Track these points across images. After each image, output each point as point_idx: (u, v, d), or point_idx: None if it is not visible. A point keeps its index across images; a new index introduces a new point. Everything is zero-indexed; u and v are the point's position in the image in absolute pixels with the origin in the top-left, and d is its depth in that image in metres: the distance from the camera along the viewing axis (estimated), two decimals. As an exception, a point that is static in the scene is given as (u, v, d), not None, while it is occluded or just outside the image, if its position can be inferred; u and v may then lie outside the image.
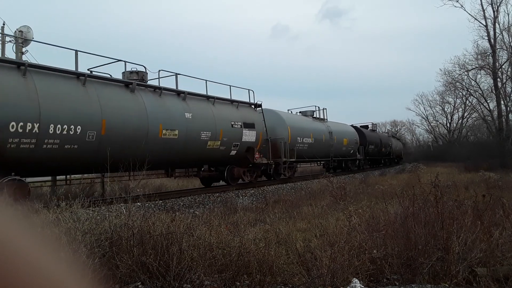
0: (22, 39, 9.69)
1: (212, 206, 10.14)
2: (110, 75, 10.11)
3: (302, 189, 14.18)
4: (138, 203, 6.49)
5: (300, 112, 21.79)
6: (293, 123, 17.98)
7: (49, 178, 10.38)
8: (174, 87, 11.79)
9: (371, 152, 30.38)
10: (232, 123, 13.19)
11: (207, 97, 12.75)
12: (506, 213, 5.08)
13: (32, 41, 9.91)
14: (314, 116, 21.82)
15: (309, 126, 20.00)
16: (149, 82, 11.39)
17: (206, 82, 12.82)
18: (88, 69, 9.82)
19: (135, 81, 10.26)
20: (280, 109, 19.20)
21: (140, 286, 3.53)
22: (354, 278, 3.60)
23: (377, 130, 43.84)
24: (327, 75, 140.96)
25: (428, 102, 53.01)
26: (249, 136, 13.90)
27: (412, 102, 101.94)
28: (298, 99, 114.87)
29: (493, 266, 3.77)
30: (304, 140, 18.51)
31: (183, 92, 11.71)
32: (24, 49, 10.02)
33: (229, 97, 13.91)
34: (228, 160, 13.47)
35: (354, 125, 30.02)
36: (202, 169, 13.45)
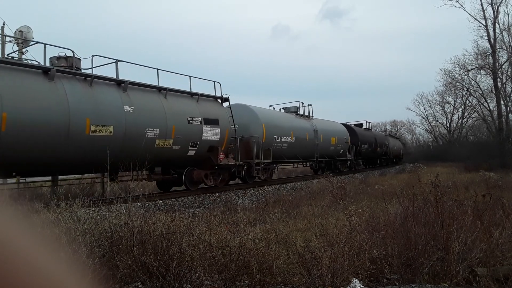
0: (22, 40, 9.70)
1: (212, 206, 10.15)
2: (27, 61, 8.79)
3: (302, 189, 14.19)
4: (138, 203, 6.49)
5: (283, 108, 19.92)
6: (269, 120, 16.06)
7: (49, 178, 10.35)
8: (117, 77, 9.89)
9: (364, 152, 28.35)
10: (189, 118, 11.50)
11: (158, 89, 10.98)
12: (506, 213, 5.08)
13: (31, 41, 9.92)
14: (298, 113, 19.98)
15: (290, 123, 17.92)
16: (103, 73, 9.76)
17: (157, 72, 11.04)
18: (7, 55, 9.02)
19: (56, 67, 8.57)
20: (266, 106, 18.10)
21: (140, 286, 3.53)
22: (354, 278, 3.60)
23: (374, 129, 42.57)
24: (327, 75, 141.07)
25: (428, 102, 53.09)
26: (211, 134, 12.27)
27: (412, 102, 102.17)
28: (298, 99, 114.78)
29: (493, 266, 3.77)
30: (282, 139, 16.62)
31: (123, 82, 9.80)
32: (24, 49, 10.02)
33: (189, 89, 12.22)
34: (186, 162, 11.74)
35: (347, 123, 28.23)
36: (154, 171, 11.36)
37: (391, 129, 65.08)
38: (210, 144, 12.30)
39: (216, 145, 12.50)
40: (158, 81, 11.04)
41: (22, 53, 10.04)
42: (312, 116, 20.92)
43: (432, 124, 55.15)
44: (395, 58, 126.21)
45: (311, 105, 21.08)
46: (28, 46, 10.08)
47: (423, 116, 54.87)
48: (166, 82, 14.61)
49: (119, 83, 9.84)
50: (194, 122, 11.65)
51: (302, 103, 20.66)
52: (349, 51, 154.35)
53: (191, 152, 11.66)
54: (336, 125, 24.43)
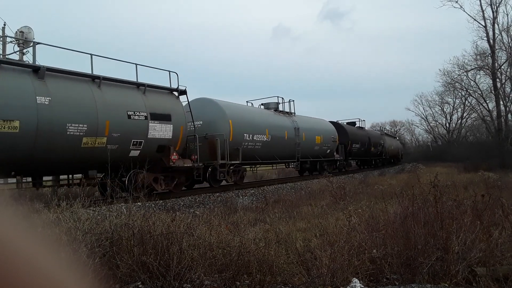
0: (23, 40, 9.70)
1: (212, 206, 10.15)
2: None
3: (302, 189, 14.19)
4: (138, 203, 6.49)
5: (262, 104, 18.22)
6: (238, 116, 14.20)
7: (49, 178, 10.33)
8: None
9: (356, 151, 26.40)
10: (131, 113, 9.77)
11: (91, 77, 9.30)
12: (506, 213, 5.09)
13: (31, 42, 9.92)
14: (278, 109, 18.23)
15: (265, 120, 16.02)
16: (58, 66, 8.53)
17: (91, 57, 9.35)
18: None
19: None
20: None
21: (140, 286, 3.53)
22: (354, 278, 3.61)
23: (373, 128, 42.00)
24: (327, 75, 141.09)
25: (427, 103, 53.16)
26: (161, 131, 10.58)
27: (411, 103, 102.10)
28: (298, 99, 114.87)
29: (492, 265, 3.78)
30: (255, 138, 14.75)
31: (39, 68, 8.17)
32: (25, 50, 10.03)
33: (135, 79, 10.48)
34: (129, 163, 9.59)
35: (339, 121, 26.76)
36: (89, 175, 9.51)
37: (391, 129, 64.94)
38: (160, 143, 10.59)
39: (168, 144, 10.83)
40: (92, 69, 9.35)
41: (23, 54, 10.05)
42: (294, 113, 19.06)
43: (431, 124, 55.27)
44: (395, 59, 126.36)
45: (293, 100, 19.09)
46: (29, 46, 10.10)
47: (423, 116, 55.00)
48: (143, 77, 13.09)
49: (36, 70, 8.19)
50: (136, 117, 9.90)
51: (282, 98, 18.80)
52: (349, 51, 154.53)
53: (135, 153, 9.93)
54: (322, 123, 22.30)
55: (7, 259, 0.41)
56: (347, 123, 28.52)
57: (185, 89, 12.10)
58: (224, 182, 14.11)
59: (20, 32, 9.76)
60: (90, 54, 9.39)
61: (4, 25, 11.35)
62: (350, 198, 9.45)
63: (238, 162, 13.74)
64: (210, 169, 12.80)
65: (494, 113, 31.19)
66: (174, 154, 11.04)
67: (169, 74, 11.69)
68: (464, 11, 39.37)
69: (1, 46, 10.54)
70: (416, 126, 62.96)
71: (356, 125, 29.96)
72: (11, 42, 9.95)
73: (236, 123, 13.73)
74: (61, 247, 3.16)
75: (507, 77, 28.92)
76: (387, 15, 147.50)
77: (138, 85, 10.56)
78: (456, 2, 29.40)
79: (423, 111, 54.56)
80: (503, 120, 28.82)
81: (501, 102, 29.14)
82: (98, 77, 9.42)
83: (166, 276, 3.51)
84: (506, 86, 29.34)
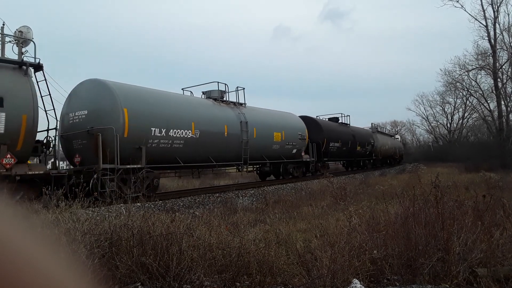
0: (22, 39, 9.70)
1: (212, 207, 10.14)
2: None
3: (302, 190, 14.18)
4: (137, 204, 6.48)
5: (203, 92, 15.04)
6: (139, 104, 10.54)
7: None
8: None
9: (335, 151, 22.50)
10: None
11: None
12: (507, 213, 5.08)
13: (31, 41, 9.93)
14: (221, 98, 14.78)
15: (191, 111, 12.38)
16: None
17: None
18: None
19: None
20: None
21: (140, 287, 3.52)
22: (354, 279, 3.59)
23: (371, 126, 36.78)
24: (328, 75, 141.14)
25: (428, 103, 53.13)
26: None
27: (412, 102, 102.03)
28: (298, 99, 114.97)
29: (493, 266, 3.76)
30: (172, 133, 11.19)
31: None
32: (23, 49, 10.02)
33: None
34: None
35: (319, 117, 23.39)
36: None
37: (391, 129, 64.64)
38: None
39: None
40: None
41: (22, 53, 10.04)
42: (245, 104, 15.66)
43: (432, 124, 55.25)
44: (395, 58, 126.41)
45: (243, 88, 15.73)
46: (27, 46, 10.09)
47: (424, 116, 54.97)
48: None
49: None
50: None
51: (226, 85, 15.11)
52: (349, 51, 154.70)
53: None
54: (286, 117, 18.31)
55: (7, 259, 0.41)
56: (329, 118, 24.94)
57: (40, 64, 8.84)
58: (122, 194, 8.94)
59: (19, 31, 9.76)
60: None
61: (3, 24, 11.34)
62: (350, 199, 9.42)
63: (139, 166, 10.02)
64: (95, 177, 9.08)
65: (495, 113, 31.20)
66: (8, 156, 7.91)
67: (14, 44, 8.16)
68: (465, 10, 39.27)
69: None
70: (417, 126, 63.00)
71: (340, 121, 25.65)
72: (10, 41, 9.94)
73: (135, 113, 10.15)
74: (60, 248, 3.15)
75: (508, 77, 28.91)
76: (387, 15, 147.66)
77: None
78: (457, 1, 29.45)
79: (424, 111, 54.60)
80: (504, 120, 28.79)
81: (502, 102, 29.13)
82: None
83: (166, 277, 3.50)
84: (507, 86, 29.35)
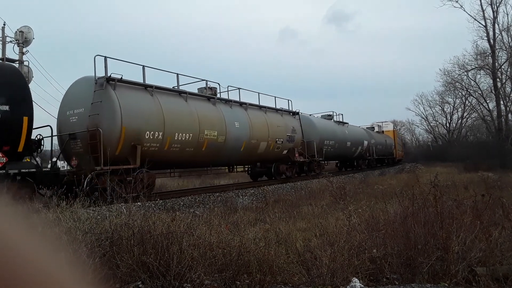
0: (23, 40, 9.69)
1: (212, 206, 10.15)
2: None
3: (302, 189, 14.19)
4: (138, 203, 6.49)
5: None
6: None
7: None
8: None
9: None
10: None
11: None
12: (506, 212, 5.09)
13: (33, 41, 9.94)
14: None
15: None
16: None
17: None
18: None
19: None
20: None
21: (140, 286, 3.53)
22: (353, 278, 3.61)
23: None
24: (329, 76, 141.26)
25: (427, 102, 53.12)
26: None
27: (411, 102, 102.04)
28: (299, 99, 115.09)
29: (492, 265, 3.78)
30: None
31: None
32: (24, 49, 10.02)
33: None
34: None
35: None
36: None
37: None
38: None
39: None
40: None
41: (23, 53, 10.04)
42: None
43: (431, 124, 55.22)
44: (395, 58, 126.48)
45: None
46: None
47: (423, 116, 54.95)
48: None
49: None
50: None
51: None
52: (350, 52, 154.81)
53: None
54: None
55: (8, 258, 0.41)
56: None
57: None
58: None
59: (20, 31, 9.76)
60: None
61: (4, 24, 11.34)
62: (350, 198, 9.44)
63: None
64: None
65: (495, 113, 31.22)
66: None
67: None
68: (464, 10, 39.33)
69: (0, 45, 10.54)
70: (417, 126, 62.93)
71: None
72: (10, 41, 9.95)
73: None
74: (61, 247, 3.16)
75: (507, 77, 28.93)
76: (386, 16, 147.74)
77: None
78: (457, 1, 29.45)
79: (424, 111, 54.59)
80: (503, 120, 28.82)
81: (502, 102, 29.16)
82: None
83: (166, 275, 3.51)
84: (506, 86, 29.36)
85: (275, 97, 16.79)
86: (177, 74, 11.82)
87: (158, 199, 9.33)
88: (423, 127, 58.14)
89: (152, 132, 9.96)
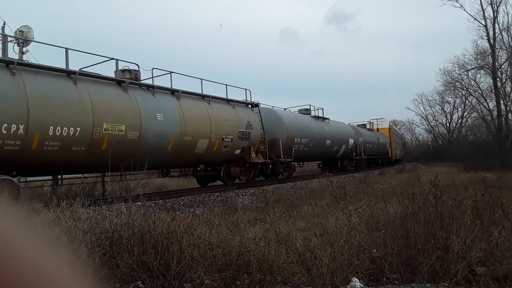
0: (23, 39, 9.68)
1: (212, 206, 10.15)
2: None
3: (302, 189, 14.19)
4: (138, 203, 6.49)
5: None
6: None
7: (49, 177, 10.32)
8: None
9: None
10: None
11: None
12: (506, 212, 5.09)
13: (32, 41, 9.92)
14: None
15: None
16: None
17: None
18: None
19: None
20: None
21: (140, 285, 3.54)
22: (353, 277, 3.61)
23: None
24: (329, 76, 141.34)
25: (427, 102, 53.17)
26: None
27: (411, 102, 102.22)
28: (299, 99, 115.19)
29: (492, 265, 3.78)
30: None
31: None
32: (24, 49, 10.02)
33: None
34: None
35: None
36: None
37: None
38: None
39: None
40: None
41: (23, 53, 10.04)
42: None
43: (431, 123, 55.27)
44: (395, 58, 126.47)
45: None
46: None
47: (423, 115, 55.01)
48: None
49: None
50: None
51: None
52: (350, 52, 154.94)
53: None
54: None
55: (8, 258, 0.41)
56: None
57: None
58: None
59: (19, 31, 9.76)
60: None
61: (4, 24, 11.33)
62: (350, 198, 9.44)
63: None
64: None
65: (495, 113, 31.22)
66: None
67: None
68: (464, 10, 39.42)
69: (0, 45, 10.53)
70: (417, 125, 63.03)
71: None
72: (10, 41, 9.94)
73: None
74: (61, 247, 3.16)
75: (507, 77, 28.93)
76: (386, 16, 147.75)
77: None
78: (457, 1, 29.54)
79: (424, 111, 54.63)
80: (503, 119, 28.82)
81: (502, 102, 29.16)
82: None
83: (166, 275, 3.51)
84: (506, 85, 29.36)
85: (226, 85, 13.54)
86: (66, 49, 8.69)
87: (158, 199, 9.35)
88: (423, 126, 58.26)
89: (5, 125, 7.12)
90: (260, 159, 14.30)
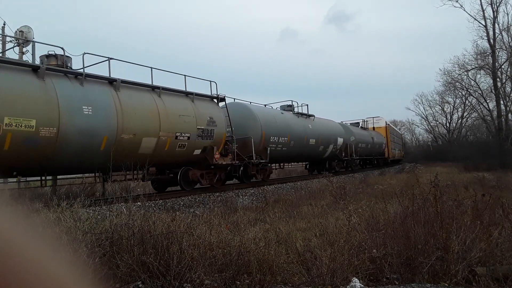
0: (23, 40, 9.70)
1: (212, 206, 10.16)
2: None
3: (302, 189, 14.19)
4: (138, 203, 6.49)
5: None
6: None
7: (49, 177, 10.31)
8: None
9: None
10: None
11: None
12: (506, 212, 5.09)
13: (32, 41, 9.94)
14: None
15: None
16: None
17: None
18: None
19: None
20: None
21: (140, 285, 3.54)
22: (353, 277, 3.61)
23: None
24: (329, 76, 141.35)
25: (427, 102, 53.27)
26: None
27: (411, 102, 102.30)
28: (299, 99, 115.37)
29: (492, 265, 3.78)
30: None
31: None
32: (24, 49, 10.03)
33: None
34: None
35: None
36: None
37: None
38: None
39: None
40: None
41: (23, 53, 10.05)
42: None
43: (431, 124, 55.31)
44: (395, 58, 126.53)
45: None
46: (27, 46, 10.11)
47: (423, 116, 55.08)
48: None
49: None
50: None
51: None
52: (350, 52, 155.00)
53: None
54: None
55: (8, 258, 0.41)
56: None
57: None
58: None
59: (19, 31, 9.76)
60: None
61: (4, 24, 11.35)
62: (350, 198, 9.45)
63: None
64: None
65: (495, 113, 31.26)
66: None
67: None
68: (464, 10, 39.58)
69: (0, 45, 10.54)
70: (417, 125, 63.11)
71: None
72: (10, 41, 9.94)
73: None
74: (61, 247, 3.16)
75: (507, 77, 28.95)
76: (386, 16, 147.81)
77: None
78: (457, 1, 29.69)
79: (424, 111, 54.69)
80: (503, 119, 28.84)
81: (502, 102, 29.19)
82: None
83: (166, 275, 3.51)
84: (506, 85, 29.40)
85: (185, 75, 11.68)
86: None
87: (158, 199, 9.35)
88: (423, 127, 58.33)
89: None
90: (226, 161, 12.56)
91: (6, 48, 10.65)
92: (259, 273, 3.66)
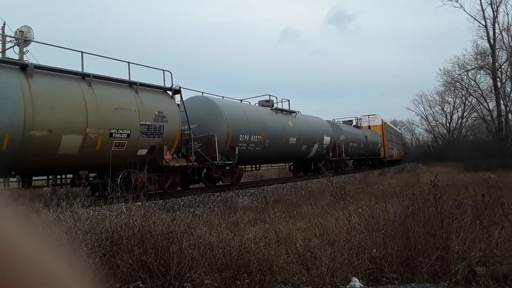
0: (23, 40, 9.70)
1: (212, 206, 10.16)
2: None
3: (302, 189, 14.19)
4: (138, 203, 6.50)
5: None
6: None
7: (50, 177, 10.28)
8: None
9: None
10: None
11: None
12: (506, 212, 5.09)
13: (32, 41, 9.93)
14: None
15: None
16: None
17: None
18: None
19: None
20: None
21: (140, 285, 3.54)
22: (353, 277, 3.61)
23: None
24: (329, 75, 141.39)
25: (427, 102, 53.22)
26: None
27: (411, 102, 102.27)
28: (299, 98, 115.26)
29: (492, 265, 3.79)
30: None
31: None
32: (24, 49, 10.03)
33: None
34: None
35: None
36: None
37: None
38: None
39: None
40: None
41: (23, 53, 10.05)
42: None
43: (431, 124, 55.29)
44: (395, 59, 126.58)
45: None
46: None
47: (423, 116, 55.05)
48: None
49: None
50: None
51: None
52: (351, 52, 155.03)
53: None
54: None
55: (8, 258, 0.41)
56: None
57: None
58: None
59: (19, 31, 9.77)
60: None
61: (4, 24, 11.34)
62: (350, 198, 9.45)
63: None
64: None
65: (495, 113, 31.26)
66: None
67: None
68: (464, 10, 39.61)
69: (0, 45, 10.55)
70: (417, 125, 63.08)
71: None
72: (10, 41, 9.95)
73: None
74: (62, 247, 3.16)
75: (507, 77, 28.95)
76: (386, 16, 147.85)
77: None
78: (457, 1, 29.64)
79: (424, 111, 54.67)
80: (503, 119, 28.84)
81: (502, 102, 29.19)
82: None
83: (167, 275, 3.51)
84: (506, 85, 29.40)
85: (128, 62, 9.79)
86: None
87: (158, 199, 9.35)
88: (423, 127, 58.30)
89: None
90: (181, 162, 10.81)
91: (6, 48, 10.65)
92: (259, 273, 3.66)
